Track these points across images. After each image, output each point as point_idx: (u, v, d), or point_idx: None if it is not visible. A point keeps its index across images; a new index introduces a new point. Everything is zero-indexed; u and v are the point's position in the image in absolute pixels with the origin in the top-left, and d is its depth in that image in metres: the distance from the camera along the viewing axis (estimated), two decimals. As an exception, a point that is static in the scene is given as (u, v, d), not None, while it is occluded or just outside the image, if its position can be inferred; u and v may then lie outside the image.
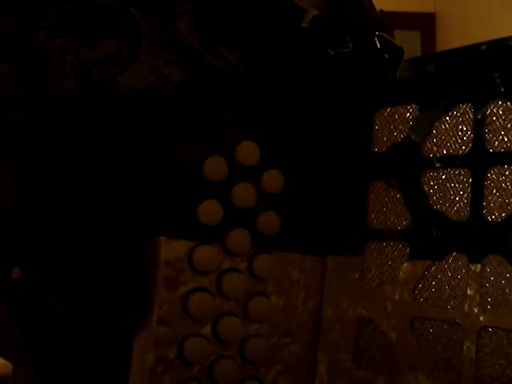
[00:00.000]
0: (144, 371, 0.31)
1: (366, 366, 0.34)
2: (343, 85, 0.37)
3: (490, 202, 0.31)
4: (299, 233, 0.35)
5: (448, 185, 0.32)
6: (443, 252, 0.32)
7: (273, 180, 0.34)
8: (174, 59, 0.35)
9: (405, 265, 0.33)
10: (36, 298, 0.36)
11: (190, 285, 0.32)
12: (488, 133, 0.31)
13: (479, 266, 0.30)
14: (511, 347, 0.29)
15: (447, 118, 0.33)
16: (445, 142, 0.33)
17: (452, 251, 0.31)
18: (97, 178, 0.34)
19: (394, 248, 0.33)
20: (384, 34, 0.45)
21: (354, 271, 0.34)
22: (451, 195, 0.32)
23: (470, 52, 0.32)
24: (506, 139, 0.31)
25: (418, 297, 0.32)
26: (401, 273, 0.33)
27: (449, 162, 0.32)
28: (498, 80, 0.31)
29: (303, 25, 0.38)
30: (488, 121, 0.31)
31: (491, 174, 0.31)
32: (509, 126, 0.31)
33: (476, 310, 0.30)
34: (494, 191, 0.31)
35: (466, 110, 0.32)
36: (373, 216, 0.34)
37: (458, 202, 0.32)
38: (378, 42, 0.44)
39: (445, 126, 0.33)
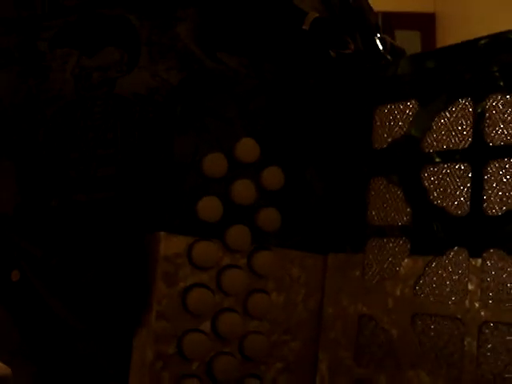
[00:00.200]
0: (143, 366, 0.31)
1: (367, 363, 0.33)
2: (343, 82, 0.37)
3: (490, 196, 0.30)
4: (300, 230, 0.35)
5: (448, 179, 0.32)
6: (444, 247, 0.31)
7: (273, 177, 0.34)
8: (174, 65, 0.36)
9: (405, 261, 0.32)
10: (35, 299, 0.36)
11: (189, 280, 0.32)
12: (488, 126, 0.31)
13: (480, 260, 0.30)
14: (513, 342, 0.29)
15: (447, 113, 0.32)
16: (445, 137, 0.32)
17: (453, 246, 0.31)
18: (97, 182, 0.35)
19: (394, 244, 0.33)
20: (385, 36, 0.45)
21: (354, 268, 0.34)
22: (451, 190, 0.32)
23: (470, 47, 0.32)
24: (505, 132, 0.30)
25: (418, 293, 0.32)
26: (401, 269, 0.33)
27: (449, 156, 0.32)
28: (497, 74, 0.31)
29: (304, 27, 0.39)
30: (488, 115, 0.31)
31: (491, 168, 0.31)
32: (508, 119, 0.30)
33: (477, 305, 0.30)
34: (495, 185, 0.30)
35: (465, 104, 0.32)
36: (373, 213, 0.34)
37: (459, 196, 0.32)
38: (379, 44, 0.44)
39: (445, 121, 0.33)
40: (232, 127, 0.33)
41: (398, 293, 0.32)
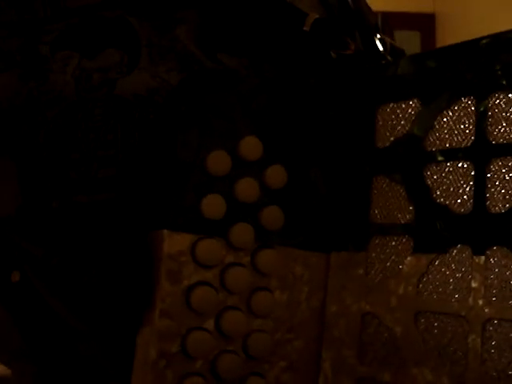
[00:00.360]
0: (147, 365, 0.31)
1: (370, 361, 0.33)
2: (345, 82, 0.37)
3: (493, 194, 0.31)
4: (303, 229, 0.35)
5: (451, 178, 0.32)
6: (447, 245, 0.31)
7: (276, 175, 0.34)
8: (174, 66, 0.36)
9: (408, 259, 0.33)
10: (36, 300, 0.36)
11: (193, 278, 0.32)
12: (490, 125, 0.31)
13: (483, 258, 0.30)
14: (517, 339, 0.29)
15: (449, 112, 0.33)
16: (447, 136, 0.33)
17: (456, 244, 0.31)
18: (97, 183, 0.35)
19: (397, 242, 0.33)
20: (385, 37, 0.46)
21: (357, 267, 0.34)
22: (454, 188, 0.32)
23: (471, 46, 0.32)
24: (508, 131, 0.31)
25: (422, 291, 0.32)
26: (405, 267, 0.33)
27: (451, 155, 0.32)
28: (500, 73, 0.31)
29: (305, 28, 0.39)
30: (490, 113, 0.31)
31: (494, 166, 0.31)
32: (511, 117, 0.31)
33: (481, 303, 0.30)
34: (497, 183, 0.31)
35: (467, 103, 0.32)
36: (376, 211, 0.34)
37: (462, 194, 0.32)
38: (379, 44, 0.44)
39: (447, 119, 0.33)
40: (235, 125, 0.33)
41: (401, 291, 0.33)
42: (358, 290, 0.34)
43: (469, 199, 0.31)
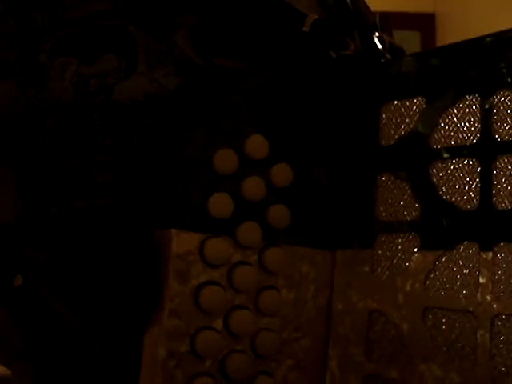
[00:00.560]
0: (155, 365, 0.30)
1: (377, 358, 0.33)
2: (347, 81, 0.37)
3: (499, 191, 0.31)
4: (309, 227, 0.35)
5: (457, 175, 0.32)
6: (454, 241, 0.32)
7: (281, 174, 0.34)
8: (172, 71, 0.36)
9: (415, 256, 0.33)
10: (39, 303, 0.36)
11: (201, 278, 0.32)
12: (495, 122, 0.31)
13: (491, 253, 0.30)
14: (525, 334, 0.29)
15: (454, 110, 0.33)
16: (452, 133, 0.33)
17: (463, 240, 0.31)
18: (96, 189, 0.34)
19: (404, 239, 0.34)
20: (384, 35, 0.46)
21: (363, 264, 0.34)
22: (460, 185, 0.32)
23: (475, 44, 0.33)
24: (513, 128, 0.31)
25: (429, 287, 0.32)
26: (411, 264, 0.33)
27: (457, 152, 0.32)
28: (504, 70, 0.31)
29: (304, 29, 0.39)
30: (495, 110, 0.31)
31: (500, 163, 0.31)
32: (516, 115, 0.31)
33: (489, 298, 0.30)
34: (503, 179, 0.31)
35: (472, 100, 0.32)
36: (382, 209, 0.35)
37: (468, 191, 0.32)
38: (378, 43, 0.45)
39: (452, 117, 0.33)
40: (241, 124, 0.33)
41: (409, 288, 0.33)
42: (364, 288, 0.34)
43: (475, 196, 0.32)
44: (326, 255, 0.35)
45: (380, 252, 0.34)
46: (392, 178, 0.34)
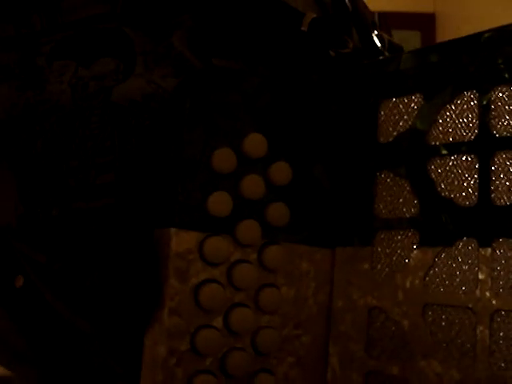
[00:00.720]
0: (156, 363, 0.31)
1: (378, 355, 0.33)
2: (346, 79, 0.37)
3: (497, 186, 0.31)
4: (308, 224, 0.35)
5: (455, 171, 0.32)
6: (453, 238, 0.32)
7: (280, 172, 0.34)
8: (170, 72, 0.36)
9: (415, 252, 0.33)
10: (40, 304, 0.36)
11: (201, 276, 0.32)
12: (493, 118, 0.31)
13: (489, 250, 0.30)
14: (525, 329, 0.29)
15: (452, 106, 0.33)
16: (450, 130, 0.33)
17: (462, 237, 0.31)
18: (96, 190, 0.35)
19: (403, 236, 0.34)
20: (383, 33, 0.46)
21: (363, 261, 0.34)
22: (459, 181, 0.32)
23: (473, 40, 0.33)
24: (511, 124, 0.31)
25: (429, 284, 0.32)
26: (411, 261, 0.33)
27: (455, 148, 0.32)
28: (502, 66, 0.31)
29: (302, 28, 0.39)
30: (493, 106, 0.31)
31: (498, 159, 0.31)
32: (514, 110, 0.31)
33: (488, 294, 0.30)
34: (502, 175, 0.31)
35: (470, 97, 0.32)
36: (381, 206, 0.35)
37: (466, 187, 0.32)
38: (378, 42, 0.45)
39: (450, 113, 0.33)
40: (240, 123, 0.33)
41: (408, 285, 0.33)
42: (364, 285, 0.34)
43: (473, 192, 0.32)
44: (326, 253, 0.35)
45: (379, 249, 0.34)
46: (391, 175, 0.34)
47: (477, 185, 0.31)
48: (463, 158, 0.32)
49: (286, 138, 0.35)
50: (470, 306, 0.31)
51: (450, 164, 0.33)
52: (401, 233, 0.34)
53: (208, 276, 0.32)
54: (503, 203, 0.31)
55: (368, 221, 0.35)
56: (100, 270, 0.34)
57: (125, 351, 0.35)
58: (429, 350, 0.32)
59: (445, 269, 0.32)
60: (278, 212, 0.34)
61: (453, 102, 0.33)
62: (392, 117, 0.35)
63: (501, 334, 0.30)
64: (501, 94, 0.31)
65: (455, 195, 0.32)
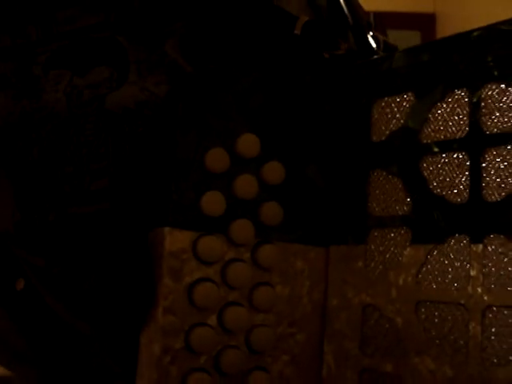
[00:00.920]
0: (151, 362, 0.31)
1: (372, 353, 0.33)
2: (339, 79, 0.37)
3: (488, 183, 0.31)
4: (302, 224, 0.35)
5: (447, 168, 0.33)
6: (445, 235, 0.32)
7: (274, 171, 0.34)
8: (163, 80, 0.36)
9: (407, 250, 0.33)
10: (41, 306, 0.36)
11: (195, 275, 0.32)
12: (484, 115, 0.32)
13: (481, 246, 0.31)
14: (516, 325, 0.29)
15: (443, 104, 0.33)
16: (442, 128, 0.33)
17: (453, 233, 0.32)
18: (91, 195, 0.35)
19: (396, 234, 0.34)
20: (378, 34, 0.46)
21: (357, 260, 0.35)
22: (450, 178, 0.32)
23: (463, 39, 0.33)
24: (501, 120, 0.31)
25: (421, 281, 0.32)
26: (404, 258, 0.33)
27: (446, 146, 0.33)
28: (492, 64, 0.31)
29: (296, 32, 0.39)
30: (483, 104, 0.32)
31: (488, 155, 0.31)
32: (504, 107, 0.31)
33: (480, 290, 0.30)
34: (492, 172, 0.31)
35: (461, 94, 0.33)
36: (374, 204, 0.35)
37: (458, 184, 0.32)
38: (373, 42, 0.45)
39: (441, 111, 0.33)
40: (233, 124, 0.34)
41: (401, 282, 0.33)
42: (358, 283, 0.34)
43: (465, 189, 0.32)
44: (320, 251, 0.36)
45: (373, 247, 0.34)
46: (384, 174, 0.35)
47: (468, 182, 0.32)
48: (454, 156, 0.32)
49: (279, 138, 0.35)
50: (462, 302, 0.31)
51: (442, 161, 0.33)
52: (394, 230, 0.34)
53: (202, 275, 0.32)
54: (494, 199, 0.31)
55: (361, 219, 0.35)
56: (97, 272, 0.35)
57: (122, 351, 0.35)
58: (422, 346, 0.32)
59: (437, 266, 0.32)
60: (271, 211, 0.34)
61: (444, 100, 0.33)
62: (385, 116, 0.35)
63: (493, 329, 0.30)
64: (490, 92, 0.32)
65: (447, 192, 0.32)
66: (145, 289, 0.33)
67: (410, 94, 0.34)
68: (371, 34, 0.45)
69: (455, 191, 0.32)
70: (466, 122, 0.32)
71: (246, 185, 0.33)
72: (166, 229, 0.32)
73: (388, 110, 0.35)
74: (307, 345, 0.35)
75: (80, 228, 0.35)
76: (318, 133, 0.36)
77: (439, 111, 0.33)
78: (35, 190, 0.36)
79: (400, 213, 0.34)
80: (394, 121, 0.35)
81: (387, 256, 0.34)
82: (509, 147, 0.31)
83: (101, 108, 0.36)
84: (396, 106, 0.35)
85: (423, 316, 0.32)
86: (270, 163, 0.34)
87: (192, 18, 0.38)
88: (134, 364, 0.34)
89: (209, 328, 0.32)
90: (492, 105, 0.31)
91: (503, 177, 0.31)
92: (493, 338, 0.30)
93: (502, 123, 0.31)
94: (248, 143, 0.34)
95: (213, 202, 0.33)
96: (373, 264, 0.34)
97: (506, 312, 0.30)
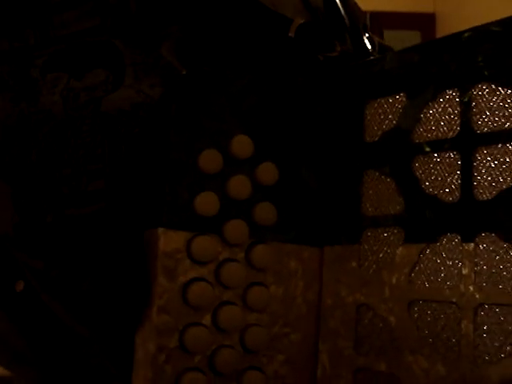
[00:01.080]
0: (146, 360, 0.31)
1: (366, 352, 0.34)
2: (332, 80, 0.38)
3: (479, 182, 0.31)
4: (296, 224, 0.35)
5: (439, 168, 0.33)
6: (437, 234, 0.32)
7: (267, 172, 0.35)
8: (158, 82, 0.37)
9: (400, 249, 0.33)
10: (40, 308, 0.37)
11: (189, 275, 0.32)
12: (474, 115, 0.32)
13: (473, 245, 0.31)
14: (508, 323, 0.30)
15: (435, 104, 0.33)
16: (434, 128, 0.33)
17: (445, 232, 0.32)
18: (88, 196, 0.36)
19: (389, 234, 0.34)
20: (373, 36, 0.46)
21: (351, 259, 0.35)
22: (442, 178, 0.33)
23: (454, 40, 0.33)
24: (492, 120, 0.31)
25: (414, 280, 0.33)
26: (397, 257, 0.33)
27: (438, 146, 0.33)
28: (482, 64, 0.32)
29: (290, 34, 0.40)
30: (474, 103, 0.32)
31: (479, 155, 0.31)
32: (494, 107, 0.31)
33: (472, 289, 0.30)
34: (483, 171, 0.31)
35: (452, 95, 0.33)
36: (368, 204, 0.35)
37: (449, 183, 0.32)
38: (368, 44, 0.45)
39: (433, 111, 0.33)
40: (226, 125, 0.34)
41: (394, 281, 0.33)
42: (352, 283, 0.35)
43: (456, 188, 0.32)
44: (314, 251, 0.36)
45: (366, 247, 0.35)
46: (377, 174, 0.35)
47: (459, 181, 0.32)
48: (446, 155, 0.33)
49: (272, 139, 0.35)
50: (455, 300, 0.31)
51: (434, 161, 0.33)
52: (387, 230, 0.34)
53: (196, 275, 0.33)
54: (485, 198, 0.31)
55: (355, 219, 0.35)
56: (94, 273, 0.35)
57: (119, 352, 0.36)
58: (415, 345, 0.32)
59: (429, 265, 0.32)
60: (265, 212, 0.34)
61: (435, 101, 0.33)
62: (377, 116, 0.36)
63: (484, 327, 0.30)
64: (481, 92, 0.32)
65: (439, 192, 0.33)
66: (140, 289, 0.33)
67: (402, 94, 0.35)
68: (367, 35, 0.45)
69: (447, 190, 0.32)
70: (458, 122, 0.32)
71: (239, 185, 0.34)
72: (160, 229, 0.32)
73: (381, 111, 0.35)
74: (302, 344, 0.35)
75: (77, 229, 0.36)
76: (312, 134, 0.37)
77: (431, 111, 0.34)
78: (33, 192, 0.37)
79: (393, 212, 0.34)
80: (387, 121, 0.35)
81: (380, 255, 0.34)
82: (499, 146, 0.31)
83: (97, 110, 0.36)
84: (388, 107, 0.35)
85: (416, 315, 0.32)
86: (264, 164, 0.35)
87: (188, 21, 0.39)
88: (131, 365, 0.34)
89: (203, 327, 0.32)
90: (483, 104, 0.32)
91: (494, 176, 0.31)
92: (484, 335, 0.30)
93: (492, 122, 0.31)
94: (241, 144, 0.34)
95: (207, 203, 0.33)
96: (366, 264, 0.35)
97: (497, 310, 0.30)
